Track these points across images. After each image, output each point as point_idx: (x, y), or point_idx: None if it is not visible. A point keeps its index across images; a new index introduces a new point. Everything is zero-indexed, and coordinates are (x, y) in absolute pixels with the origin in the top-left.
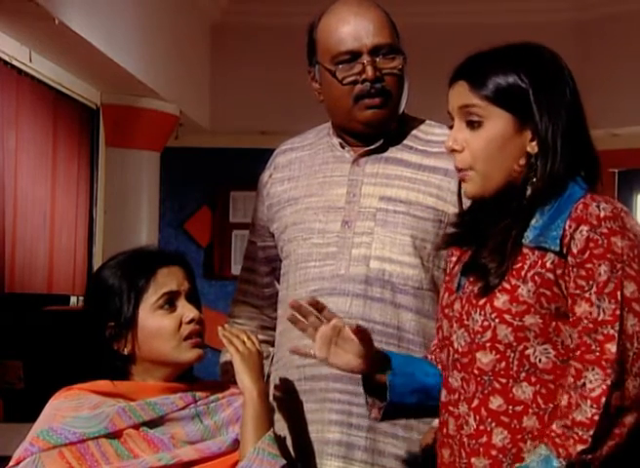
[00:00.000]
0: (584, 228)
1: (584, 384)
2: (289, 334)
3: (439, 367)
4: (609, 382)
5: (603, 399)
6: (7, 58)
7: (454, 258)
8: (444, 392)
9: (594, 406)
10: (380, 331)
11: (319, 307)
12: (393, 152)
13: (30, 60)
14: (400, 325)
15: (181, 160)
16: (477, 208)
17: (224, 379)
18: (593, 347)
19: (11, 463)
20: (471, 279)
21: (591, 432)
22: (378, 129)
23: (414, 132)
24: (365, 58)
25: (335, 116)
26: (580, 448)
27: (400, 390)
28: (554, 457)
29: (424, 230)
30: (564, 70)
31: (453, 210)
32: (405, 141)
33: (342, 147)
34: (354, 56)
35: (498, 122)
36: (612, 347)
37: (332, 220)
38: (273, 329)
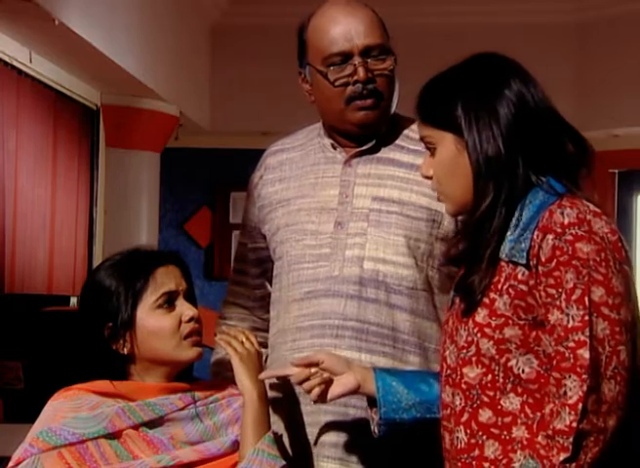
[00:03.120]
0: (550, 236)
1: (565, 392)
2: (284, 336)
3: None
4: (585, 388)
5: (580, 405)
6: (7, 59)
7: (461, 273)
8: (441, 407)
9: (572, 412)
10: (374, 331)
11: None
12: (385, 152)
13: (30, 61)
14: (395, 325)
15: (182, 161)
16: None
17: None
18: (567, 355)
19: (10, 464)
20: (459, 296)
21: (571, 439)
22: (370, 130)
23: (405, 131)
24: (356, 60)
25: (326, 117)
26: (562, 456)
27: (393, 406)
28: None
29: (418, 230)
30: (503, 83)
31: None
32: (397, 141)
33: (334, 148)
34: (346, 57)
35: (444, 144)
36: (584, 353)
37: (324, 221)
38: (264, 330)
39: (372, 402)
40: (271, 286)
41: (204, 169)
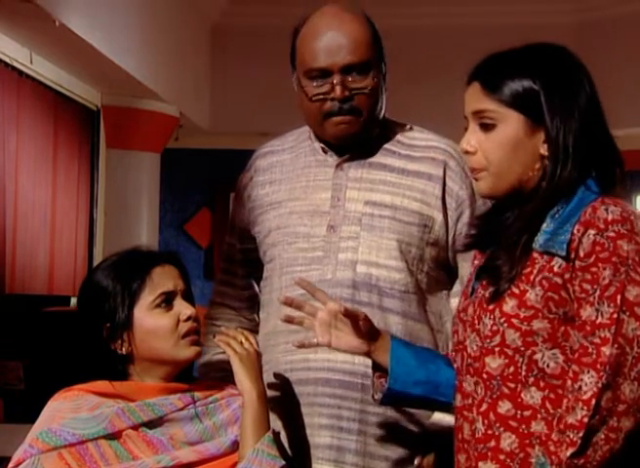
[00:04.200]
0: (592, 232)
1: (580, 387)
2: (276, 338)
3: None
4: (600, 385)
5: (593, 401)
6: (8, 60)
7: (475, 262)
8: (458, 397)
9: (584, 408)
10: None
11: (310, 290)
12: (377, 157)
13: (31, 62)
14: (387, 328)
15: (181, 161)
16: (496, 210)
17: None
18: (590, 350)
19: (10, 465)
20: (483, 283)
21: (581, 434)
22: (350, 141)
23: (396, 136)
24: (335, 78)
25: (309, 124)
26: (570, 451)
27: (402, 379)
28: (548, 465)
29: (410, 234)
30: (580, 72)
31: (437, 214)
32: (388, 146)
33: (325, 152)
34: (325, 73)
35: (510, 124)
36: (607, 350)
37: (317, 225)
38: (251, 330)
39: (377, 367)
40: (259, 287)
41: (204, 169)
